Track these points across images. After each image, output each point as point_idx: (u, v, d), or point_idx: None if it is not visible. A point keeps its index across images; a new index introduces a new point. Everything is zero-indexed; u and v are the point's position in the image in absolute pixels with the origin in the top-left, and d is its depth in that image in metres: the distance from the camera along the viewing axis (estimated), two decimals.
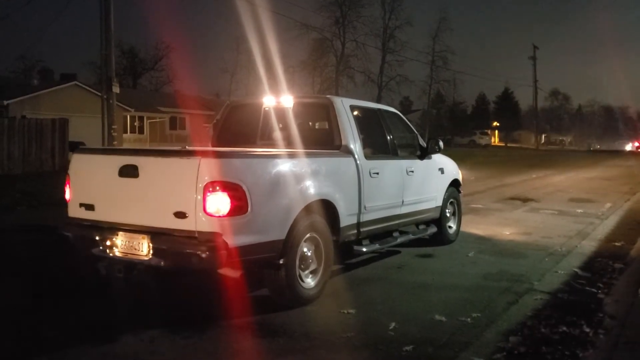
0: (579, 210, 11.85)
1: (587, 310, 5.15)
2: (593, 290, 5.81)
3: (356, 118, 6.26)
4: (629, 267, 6.84)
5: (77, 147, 5.47)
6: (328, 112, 6.17)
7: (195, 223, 4.43)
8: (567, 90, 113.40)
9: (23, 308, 5.12)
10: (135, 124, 41.09)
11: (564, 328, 4.64)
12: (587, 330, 4.62)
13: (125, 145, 29.65)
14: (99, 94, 16.88)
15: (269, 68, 25.81)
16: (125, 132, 37.55)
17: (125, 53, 60.94)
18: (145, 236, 4.67)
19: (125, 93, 33.25)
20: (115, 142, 15.92)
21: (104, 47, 15.50)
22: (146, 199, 4.73)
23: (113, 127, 15.62)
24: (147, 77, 65.37)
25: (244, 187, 4.49)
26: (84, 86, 35.09)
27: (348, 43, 56.05)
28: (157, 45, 62.54)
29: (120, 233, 4.83)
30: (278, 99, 6.60)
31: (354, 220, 5.89)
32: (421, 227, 7.60)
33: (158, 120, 42.29)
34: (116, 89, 15.60)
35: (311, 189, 5.23)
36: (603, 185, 18.19)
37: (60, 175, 7.32)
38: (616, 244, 8.24)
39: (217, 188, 4.36)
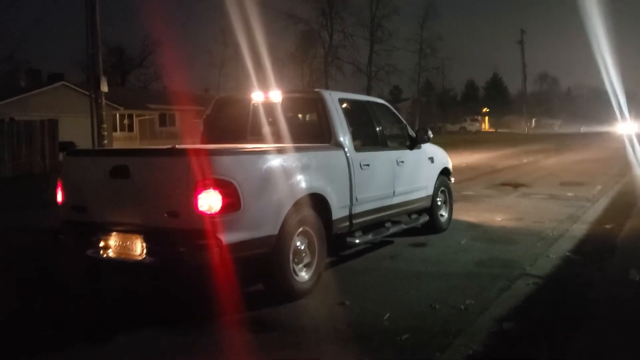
0: (570, 194, 11.94)
1: (579, 293, 5.23)
2: (585, 273, 5.88)
3: (345, 111, 6.29)
4: (619, 249, 6.93)
5: (67, 147, 5.47)
6: (317, 106, 6.19)
7: (187, 221, 4.45)
8: (556, 74, 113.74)
9: (18, 308, 5.13)
10: (124, 122, 40.90)
11: (557, 312, 4.71)
12: (580, 313, 4.69)
13: (116, 144, 29.59)
14: (87, 93, 16.79)
15: (257, 61, 25.76)
16: (115, 130, 37.41)
17: (112, 51, 60.54)
18: (139, 236, 4.70)
19: (114, 91, 33.03)
20: (105, 141, 15.86)
21: (90, 46, 15.41)
22: (138, 199, 4.75)
23: (102, 126, 15.57)
24: (135, 74, 65.09)
25: (236, 184, 4.51)
26: (72, 86, 34.86)
27: (336, 34, 56.10)
28: (144, 41, 62.26)
29: (114, 234, 4.85)
30: (267, 94, 6.61)
31: (346, 213, 5.92)
32: (413, 216, 7.65)
33: (147, 117, 42.11)
34: (104, 88, 15.53)
35: (302, 183, 5.26)
36: (593, 168, 18.30)
37: (51, 176, 7.34)
38: (607, 226, 8.32)
39: (209, 186, 4.38)
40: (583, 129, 68.21)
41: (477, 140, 43.18)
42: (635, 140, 26.14)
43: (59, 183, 5.28)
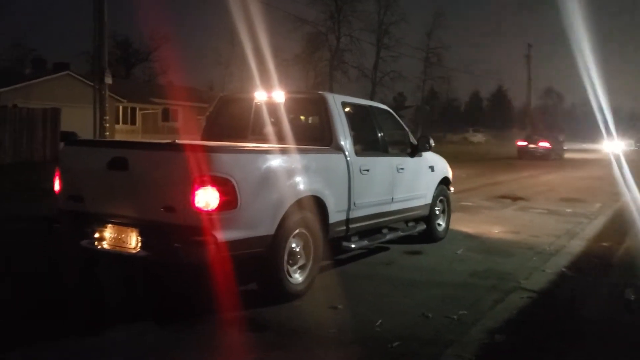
0: (569, 210, 11.92)
1: (572, 310, 5.21)
2: (579, 290, 5.85)
3: (347, 114, 6.27)
4: (615, 268, 6.91)
5: (68, 137, 5.47)
6: (319, 108, 6.18)
7: (184, 217, 4.43)
8: (561, 89, 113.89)
9: (9, 300, 5.11)
10: (127, 114, 40.91)
11: (549, 327, 4.69)
12: (572, 330, 4.67)
13: (118, 136, 29.58)
14: (92, 84, 16.78)
15: (263, 61, 25.74)
16: (118, 122, 37.37)
17: (119, 44, 60.57)
18: (134, 229, 4.68)
19: (118, 83, 33.05)
20: (107, 133, 15.85)
21: (96, 38, 15.37)
22: (135, 192, 4.73)
23: (105, 117, 15.53)
24: (140, 67, 65.06)
25: (234, 182, 4.49)
26: (76, 76, 34.85)
27: (342, 38, 55.96)
28: (152, 36, 62.18)
29: (109, 226, 4.84)
30: (270, 94, 6.60)
31: (343, 217, 5.91)
32: (410, 224, 7.64)
33: (151, 111, 42.10)
34: (109, 80, 15.50)
35: (301, 184, 5.24)
36: (594, 185, 18.26)
37: (51, 165, 7.30)
38: (604, 244, 8.30)
39: (206, 183, 4.37)
40: (585, 145, 68.27)
41: (478, 152, 43.12)
42: (622, 159, 26.03)
43: (57, 172, 5.27)
